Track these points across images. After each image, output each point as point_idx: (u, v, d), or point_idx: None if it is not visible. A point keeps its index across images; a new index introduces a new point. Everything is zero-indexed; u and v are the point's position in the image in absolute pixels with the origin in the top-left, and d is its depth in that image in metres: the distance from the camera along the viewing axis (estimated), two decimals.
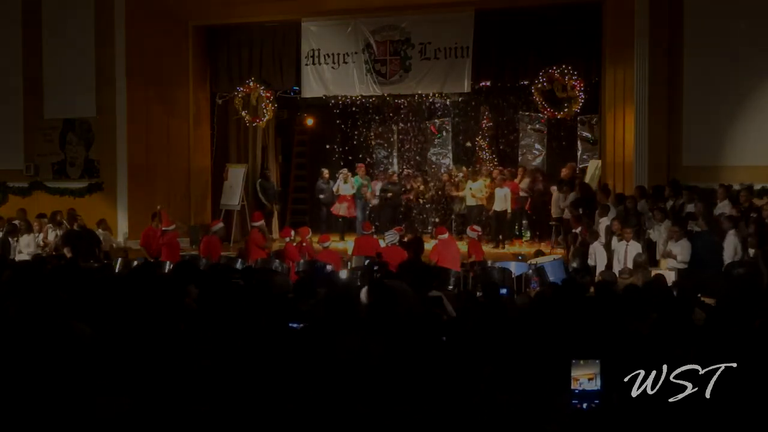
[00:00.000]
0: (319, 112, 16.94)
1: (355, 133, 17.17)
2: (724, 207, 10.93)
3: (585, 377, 2.59)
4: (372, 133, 17.42)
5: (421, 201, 15.99)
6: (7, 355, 3.24)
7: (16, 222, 13.03)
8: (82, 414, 3.02)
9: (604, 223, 11.41)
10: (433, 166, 17.32)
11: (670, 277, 9.25)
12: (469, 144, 16.97)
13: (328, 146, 17.61)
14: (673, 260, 10.19)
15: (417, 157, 17.26)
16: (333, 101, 15.09)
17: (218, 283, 7.03)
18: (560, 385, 2.57)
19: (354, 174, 15.75)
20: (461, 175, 15.61)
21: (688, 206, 11.24)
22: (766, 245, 9.69)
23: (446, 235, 12.02)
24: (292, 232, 12.63)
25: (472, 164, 16.45)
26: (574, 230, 12.17)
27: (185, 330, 4.80)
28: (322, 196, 15.73)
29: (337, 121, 16.87)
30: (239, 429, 2.87)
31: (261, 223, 13.72)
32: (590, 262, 10.94)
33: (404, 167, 17.09)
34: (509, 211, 14.36)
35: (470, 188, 14.76)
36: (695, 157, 12.16)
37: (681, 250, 10.10)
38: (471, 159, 16.84)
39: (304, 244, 12.38)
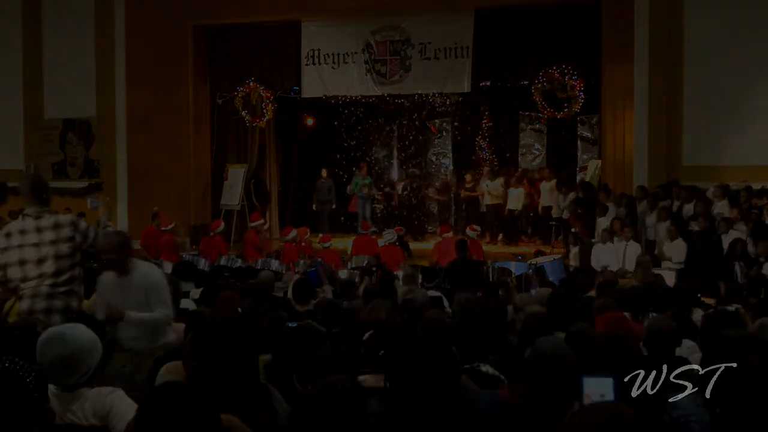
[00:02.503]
0: (319, 112, 16.95)
1: (355, 133, 17.18)
2: (722, 207, 10.94)
3: (597, 395, 2.56)
4: (372, 133, 17.42)
5: (424, 195, 16.01)
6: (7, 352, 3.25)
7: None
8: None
9: (603, 223, 11.41)
10: (433, 166, 17.32)
11: (669, 278, 9.25)
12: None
13: (328, 146, 17.61)
14: (669, 261, 10.20)
15: (413, 152, 17.26)
16: (333, 101, 15.09)
17: (218, 283, 7.04)
18: (560, 386, 2.56)
19: (359, 174, 15.80)
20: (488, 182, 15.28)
21: (686, 206, 11.25)
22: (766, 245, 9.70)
23: (450, 234, 12.06)
24: (293, 232, 12.65)
25: (476, 166, 16.44)
26: (573, 230, 12.18)
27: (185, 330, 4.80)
28: (318, 196, 15.80)
29: (337, 122, 16.88)
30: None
31: (258, 223, 13.72)
32: (590, 262, 10.94)
33: (411, 167, 17.07)
34: (519, 210, 14.40)
35: (487, 186, 14.74)
36: (695, 157, 12.15)
37: (676, 250, 10.11)
38: (471, 159, 16.84)
39: (302, 243, 12.40)
